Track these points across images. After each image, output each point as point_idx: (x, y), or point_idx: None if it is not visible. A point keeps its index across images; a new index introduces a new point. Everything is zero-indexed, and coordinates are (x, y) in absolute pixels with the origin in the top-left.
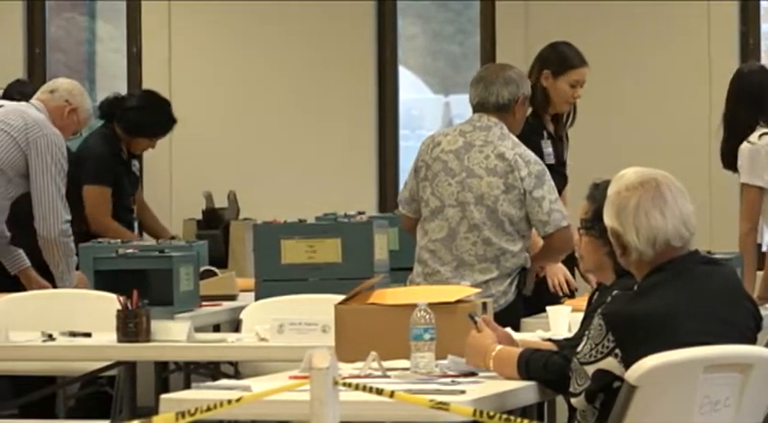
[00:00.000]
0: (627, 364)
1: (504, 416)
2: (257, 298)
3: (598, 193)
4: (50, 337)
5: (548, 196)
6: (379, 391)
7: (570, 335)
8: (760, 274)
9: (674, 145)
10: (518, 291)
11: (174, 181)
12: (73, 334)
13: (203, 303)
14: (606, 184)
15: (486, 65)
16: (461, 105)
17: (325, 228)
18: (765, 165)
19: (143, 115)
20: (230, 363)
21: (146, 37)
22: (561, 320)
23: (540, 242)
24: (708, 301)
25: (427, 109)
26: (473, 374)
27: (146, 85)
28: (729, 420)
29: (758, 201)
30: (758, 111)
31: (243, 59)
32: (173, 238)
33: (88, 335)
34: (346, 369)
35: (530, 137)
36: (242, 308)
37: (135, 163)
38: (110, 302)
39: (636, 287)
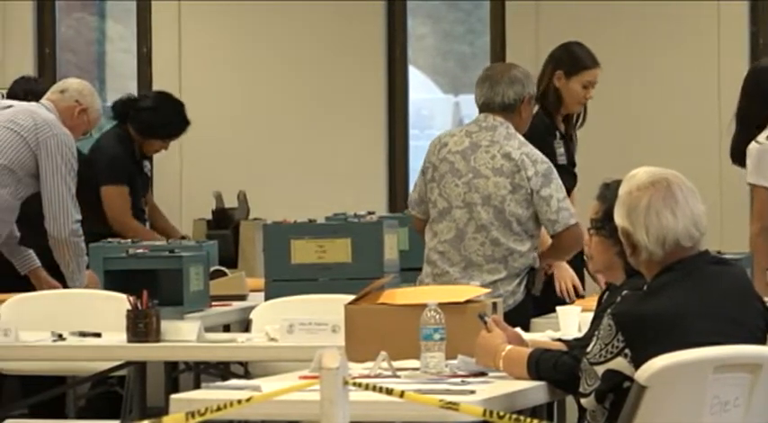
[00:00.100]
0: (637, 364)
1: (514, 416)
2: (267, 298)
3: (608, 193)
4: (60, 337)
5: (555, 195)
6: (389, 391)
7: (580, 335)
8: None
9: (683, 145)
10: (527, 291)
11: (184, 181)
12: (83, 334)
13: (213, 303)
14: (616, 184)
15: (491, 64)
16: (471, 105)
17: (334, 228)
18: None
19: (156, 116)
20: (240, 363)
21: (156, 37)
22: (571, 320)
23: (549, 240)
24: (718, 301)
25: (437, 109)
26: (483, 374)
27: (156, 85)
28: (739, 420)
29: None
30: None
31: (253, 59)
32: (183, 238)
33: (98, 335)
34: (356, 369)
35: (544, 137)
36: (252, 308)
37: (146, 164)
38: (120, 302)
39: (645, 287)
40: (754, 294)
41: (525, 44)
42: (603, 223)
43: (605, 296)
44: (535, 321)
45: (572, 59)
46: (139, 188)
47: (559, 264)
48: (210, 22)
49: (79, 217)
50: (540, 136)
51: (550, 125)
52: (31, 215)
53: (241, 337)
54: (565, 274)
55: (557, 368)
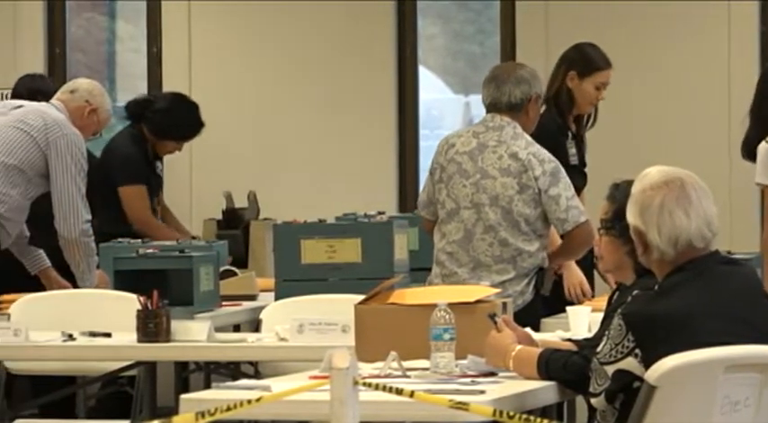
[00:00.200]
0: (647, 364)
1: (524, 416)
2: (277, 298)
3: (618, 193)
4: (71, 337)
5: (564, 193)
6: (399, 391)
7: (590, 335)
8: None
9: (693, 145)
10: (536, 291)
11: (194, 181)
12: (93, 334)
13: (223, 303)
14: (626, 184)
15: (498, 64)
16: (481, 105)
17: (345, 228)
18: None
19: (171, 118)
20: (250, 363)
21: (166, 37)
22: (581, 320)
23: (558, 239)
24: (728, 301)
25: (447, 109)
26: (493, 374)
27: (165, 85)
28: (749, 420)
29: None
30: None
31: (263, 59)
32: (193, 238)
33: (108, 335)
34: (366, 369)
35: (556, 137)
36: (262, 308)
37: (159, 164)
38: (130, 302)
39: (656, 287)
40: (764, 294)
41: (535, 44)
42: (613, 223)
43: (615, 296)
44: (545, 321)
45: (585, 60)
46: (153, 189)
47: (569, 265)
48: (220, 23)
49: (89, 217)
50: (552, 136)
51: (563, 125)
52: (41, 215)
53: (251, 337)
54: (573, 279)
55: (567, 368)
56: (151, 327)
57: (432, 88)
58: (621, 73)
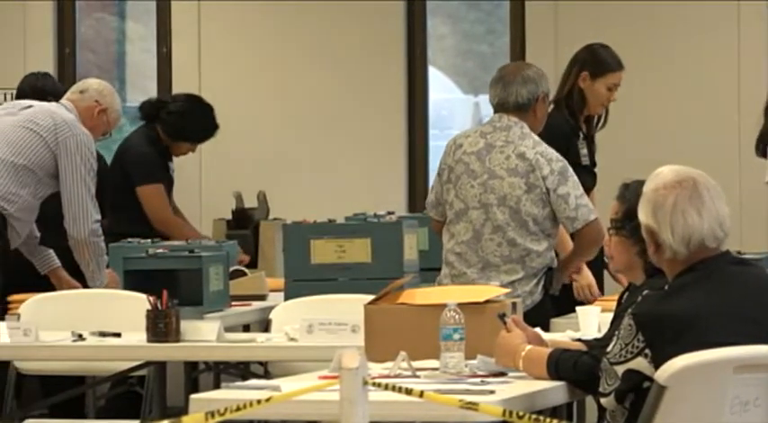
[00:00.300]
0: (657, 364)
1: (534, 416)
2: (287, 298)
3: (628, 193)
4: (80, 337)
5: (573, 192)
6: (409, 391)
7: (600, 335)
8: None
9: (703, 145)
10: (545, 291)
11: (203, 181)
12: (103, 334)
13: (233, 303)
14: (636, 184)
15: (504, 64)
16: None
17: (354, 228)
18: None
19: (186, 120)
20: (260, 363)
21: (175, 37)
22: (591, 321)
23: (567, 240)
24: (738, 301)
25: (457, 109)
26: (502, 374)
27: (175, 85)
28: (759, 420)
29: None
30: None
31: (272, 59)
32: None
33: (118, 335)
34: (376, 369)
35: (569, 137)
36: (271, 308)
37: (171, 165)
38: (139, 302)
39: (666, 287)
40: None
41: (545, 44)
42: (624, 223)
43: (625, 296)
44: (555, 321)
45: (598, 61)
46: (168, 189)
47: (579, 266)
48: (230, 23)
49: (98, 217)
50: (564, 136)
51: (574, 126)
52: (50, 216)
53: (261, 337)
54: (582, 281)
55: (576, 368)
56: (161, 327)
57: (441, 88)
58: (631, 73)
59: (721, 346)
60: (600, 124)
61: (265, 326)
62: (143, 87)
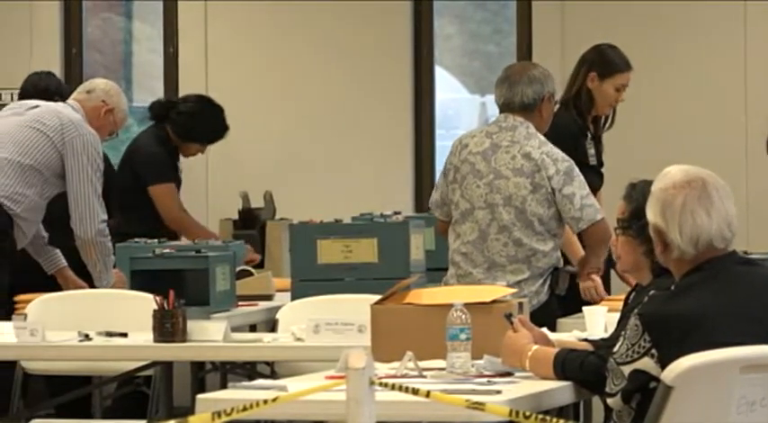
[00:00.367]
0: (663, 364)
1: (540, 416)
2: (293, 298)
3: (635, 193)
4: (87, 336)
5: (578, 192)
6: (415, 391)
7: (606, 335)
8: None
9: (709, 145)
10: (551, 291)
11: (210, 181)
12: (109, 334)
13: (240, 303)
14: (643, 184)
15: (510, 64)
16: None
17: (361, 228)
18: None
19: (196, 121)
20: (266, 363)
21: (182, 37)
22: (597, 321)
23: (575, 241)
24: (744, 301)
25: (463, 109)
26: (509, 374)
27: (182, 85)
28: (766, 421)
29: None
30: None
31: (279, 60)
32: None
33: (124, 335)
34: (382, 369)
35: (577, 138)
36: (278, 308)
37: (179, 166)
38: (146, 302)
39: (673, 287)
40: None
41: (551, 44)
42: (630, 223)
43: (632, 296)
44: (562, 321)
45: (606, 62)
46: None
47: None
48: (237, 23)
49: (105, 217)
50: (572, 136)
51: (582, 126)
52: (57, 216)
53: (267, 337)
54: (589, 282)
55: (583, 368)
56: (167, 327)
57: (448, 88)
58: (638, 73)
59: (728, 346)
60: (607, 125)
61: (272, 326)
62: (150, 87)
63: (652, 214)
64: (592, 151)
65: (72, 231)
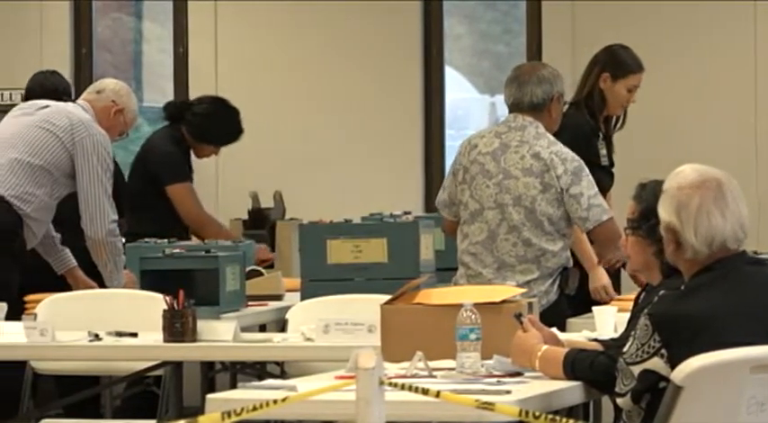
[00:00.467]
0: (673, 364)
1: (550, 416)
2: (303, 298)
3: (645, 193)
4: (97, 336)
5: (586, 192)
6: (425, 391)
7: (616, 335)
8: None
9: (719, 144)
10: (561, 290)
11: (220, 181)
12: (119, 334)
13: (249, 303)
14: (653, 184)
15: (519, 64)
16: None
17: (370, 228)
18: None
19: (211, 122)
20: (276, 363)
21: (192, 37)
22: (607, 321)
23: (584, 240)
24: (754, 301)
25: (473, 109)
26: (519, 374)
27: (192, 85)
28: None
29: None
30: None
31: (289, 60)
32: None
33: (134, 335)
34: (392, 369)
35: (589, 138)
36: (288, 308)
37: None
38: (156, 302)
39: (683, 287)
40: None
41: (561, 44)
42: (640, 223)
43: (642, 296)
44: (571, 321)
45: (619, 63)
46: None
47: (595, 266)
48: (246, 23)
49: (116, 217)
50: (585, 136)
51: (594, 126)
52: (67, 216)
53: (277, 337)
54: (597, 283)
55: (593, 368)
56: (177, 327)
57: (458, 88)
58: (647, 73)
59: (738, 346)
60: (618, 125)
61: (282, 326)
62: (160, 87)
63: (666, 213)
64: (603, 151)
65: (82, 232)
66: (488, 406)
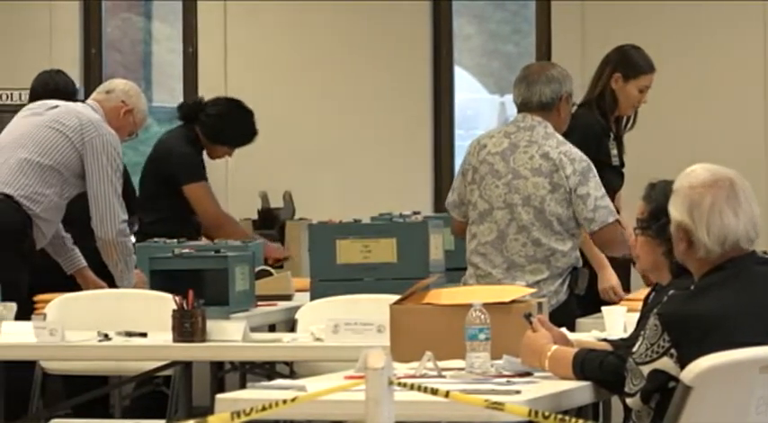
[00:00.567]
0: (682, 364)
1: (560, 416)
2: (312, 298)
3: (654, 193)
4: (106, 336)
5: (593, 193)
6: (435, 391)
7: (626, 335)
8: None
9: (730, 144)
10: (570, 290)
11: (229, 181)
12: (129, 334)
13: (259, 303)
14: (663, 184)
15: (528, 64)
16: None
17: (380, 228)
18: None
19: (226, 123)
20: (286, 363)
21: (201, 37)
22: (616, 320)
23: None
24: (764, 301)
25: (482, 109)
26: (528, 374)
27: (201, 85)
28: None
29: None
30: None
31: (298, 60)
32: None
33: (144, 335)
34: (401, 369)
35: (600, 138)
36: (297, 308)
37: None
38: (165, 302)
39: (692, 287)
40: None
41: (571, 44)
42: (650, 223)
43: (651, 296)
44: (581, 321)
45: (631, 63)
46: None
47: (604, 267)
48: (256, 23)
49: (126, 217)
50: (596, 136)
51: (605, 126)
52: (77, 217)
53: (286, 337)
54: (605, 284)
55: (602, 368)
56: (187, 326)
57: (467, 88)
58: (657, 73)
59: (747, 346)
60: (629, 125)
61: (291, 326)
62: (169, 87)
63: (678, 212)
64: (614, 152)
65: (92, 232)
66: (498, 406)
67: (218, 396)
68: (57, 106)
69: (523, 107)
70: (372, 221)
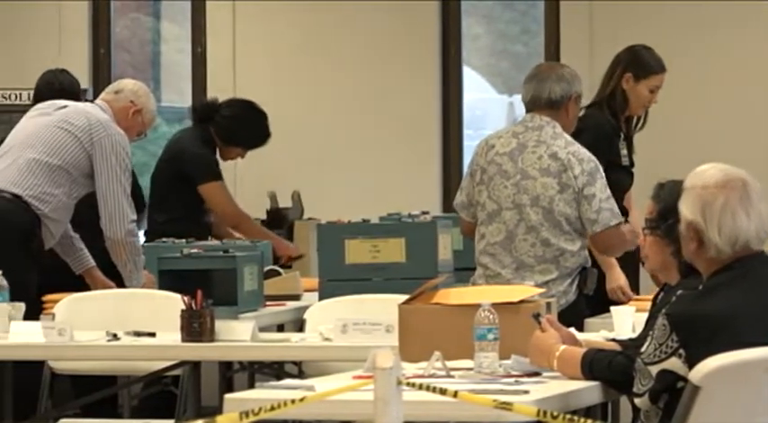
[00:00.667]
0: (691, 364)
1: (568, 416)
2: (321, 298)
3: (663, 193)
4: (115, 336)
5: (599, 194)
6: (443, 391)
7: (634, 335)
8: None
9: (738, 144)
10: (579, 290)
11: (238, 181)
12: (137, 334)
13: (267, 303)
14: (672, 184)
15: (539, 64)
16: None
17: (388, 228)
18: None
19: (239, 125)
20: (294, 362)
21: (210, 37)
22: (625, 320)
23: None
24: None
25: (491, 109)
26: (537, 374)
27: (210, 85)
28: None
29: None
30: None
31: (307, 59)
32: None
33: (153, 335)
34: (410, 369)
35: (611, 138)
36: (306, 308)
37: None
38: (174, 302)
39: (701, 287)
40: None
41: (580, 44)
42: (658, 223)
43: (660, 296)
44: (589, 321)
45: (641, 63)
46: None
47: (612, 267)
48: (265, 22)
49: (134, 217)
50: (607, 136)
51: (616, 126)
52: (86, 217)
53: (295, 337)
54: (613, 284)
55: (611, 368)
56: (195, 326)
57: (476, 88)
58: (666, 73)
59: (755, 346)
60: (639, 125)
61: (300, 326)
62: (178, 87)
63: (689, 212)
64: (624, 152)
65: (101, 232)
66: (506, 406)
67: (227, 396)
68: (65, 106)
69: (532, 105)
70: (381, 221)
